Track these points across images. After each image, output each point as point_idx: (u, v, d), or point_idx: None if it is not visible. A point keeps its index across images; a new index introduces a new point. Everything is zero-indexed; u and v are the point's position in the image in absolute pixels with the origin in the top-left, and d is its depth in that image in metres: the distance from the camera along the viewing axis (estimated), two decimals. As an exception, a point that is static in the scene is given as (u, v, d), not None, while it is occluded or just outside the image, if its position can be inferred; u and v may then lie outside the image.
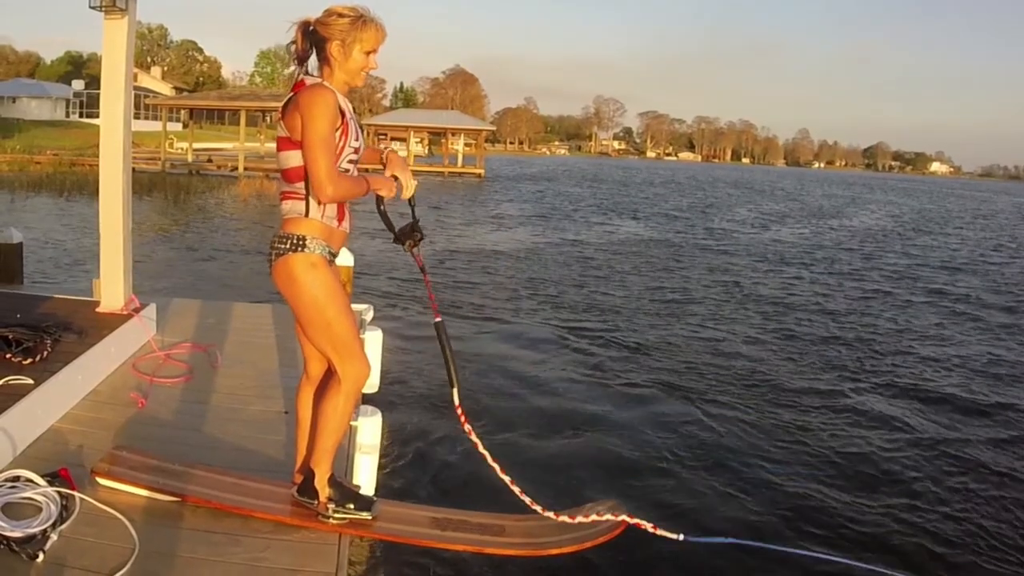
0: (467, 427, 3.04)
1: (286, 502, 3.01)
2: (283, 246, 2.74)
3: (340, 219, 2.81)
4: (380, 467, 4.09)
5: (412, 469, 5.41)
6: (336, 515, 2.93)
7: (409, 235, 2.94)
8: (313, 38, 2.72)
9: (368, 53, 2.72)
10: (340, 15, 2.68)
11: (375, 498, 3.13)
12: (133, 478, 3.04)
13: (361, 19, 2.68)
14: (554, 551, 3.06)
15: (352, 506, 2.96)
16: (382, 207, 2.91)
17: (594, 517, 3.16)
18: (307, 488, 2.96)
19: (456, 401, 3.00)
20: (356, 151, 2.77)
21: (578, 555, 3.14)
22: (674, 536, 3.11)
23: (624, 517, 3.14)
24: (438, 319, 3.03)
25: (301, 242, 2.72)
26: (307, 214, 2.73)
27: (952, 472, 5.85)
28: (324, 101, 2.61)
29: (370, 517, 2.98)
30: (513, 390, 7.22)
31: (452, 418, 6.21)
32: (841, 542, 4.73)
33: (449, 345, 3.00)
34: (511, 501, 3.10)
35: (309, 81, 2.71)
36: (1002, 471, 5.90)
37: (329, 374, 2.92)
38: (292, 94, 2.71)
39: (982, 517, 5.13)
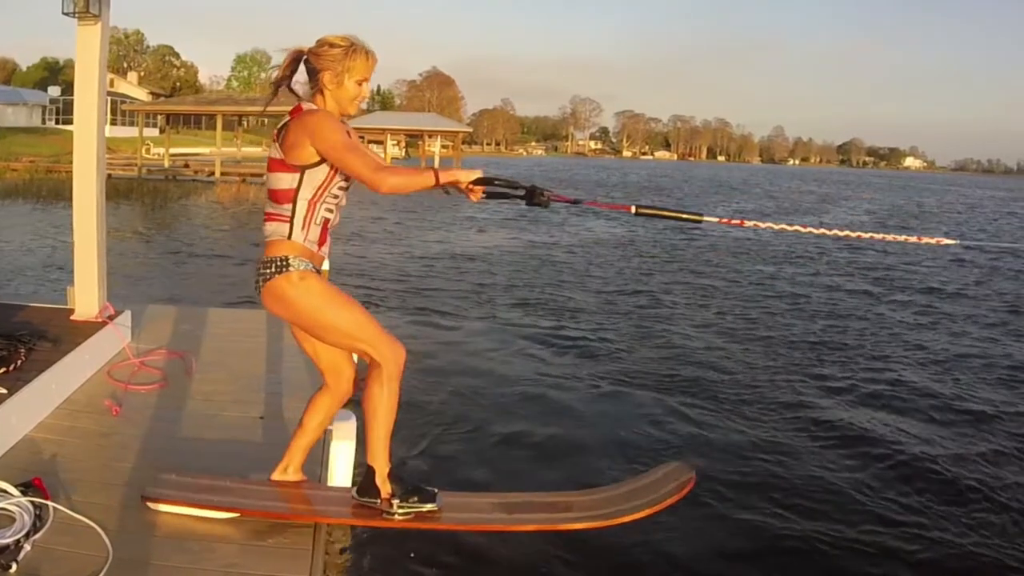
0: None
1: (350, 506, 3.00)
2: (268, 271, 2.75)
3: (321, 243, 2.82)
4: (356, 470, 4.09)
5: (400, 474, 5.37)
6: (401, 510, 2.89)
7: (538, 190, 2.79)
8: (307, 67, 2.78)
9: (359, 82, 2.77)
10: (332, 45, 2.73)
11: (436, 489, 3.03)
12: (189, 499, 2.99)
13: (352, 48, 2.73)
14: (626, 518, 2.99)
15: (416, 499, 2.91)
16: (493, 185, 2.78)
17: (661, 479, 3.14)
18: (368, 487, 2.92)
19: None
20: (347, 178, 2.78)
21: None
22: None
23: (692, 475, 3.11)
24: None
25: (284, 263, 2.73)
26: (290, 236, 2.75)
27: (936, 487, 5.51)
28: (331, 117, 2.69)
29: (436, 508, 2.93)
30: (487, 392, 7.21)
31: (441, 420, 6.26)
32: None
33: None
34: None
35: (306, 107, 2.74)
36: (997, 486, 5.57)
37: (341, 384, 3.01)
38: (289, 118, 2.74)
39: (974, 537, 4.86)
